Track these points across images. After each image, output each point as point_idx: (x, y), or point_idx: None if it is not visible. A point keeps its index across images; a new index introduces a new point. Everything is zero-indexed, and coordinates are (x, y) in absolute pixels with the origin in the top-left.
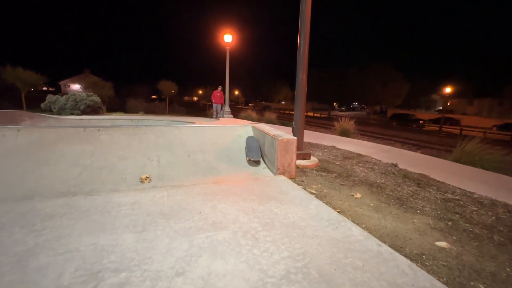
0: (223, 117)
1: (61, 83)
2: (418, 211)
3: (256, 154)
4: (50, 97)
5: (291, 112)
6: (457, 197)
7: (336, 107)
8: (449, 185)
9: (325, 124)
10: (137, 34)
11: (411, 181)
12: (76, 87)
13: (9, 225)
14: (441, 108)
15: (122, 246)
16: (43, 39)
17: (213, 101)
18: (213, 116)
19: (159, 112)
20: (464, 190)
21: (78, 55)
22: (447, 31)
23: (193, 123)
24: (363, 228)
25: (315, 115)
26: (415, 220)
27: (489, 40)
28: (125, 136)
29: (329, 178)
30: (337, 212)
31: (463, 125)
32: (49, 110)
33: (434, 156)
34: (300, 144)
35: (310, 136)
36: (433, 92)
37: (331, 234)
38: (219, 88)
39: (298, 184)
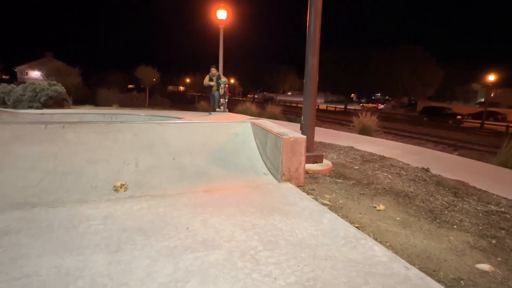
0: (226, 110)
1: (18, 69)
2: (455, 227)
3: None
4: (3, 87)
5: (299, 105)
6: (502, 209)
7: (354, 99)
8: (493, 194)
9: (341, 120)
10: (111, 11)
11: (446, 189)
12: (35, 74)
13: None
14: (483, 100)
15: (92, 270)
16: None
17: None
18: (216, 109)
19: (137, 105)
20: None
21: (38, 36)
22: (490, 6)
23: (179, 118)
24: (387, 247)
25: (329, 108)
26: (451, 238)
27: None
28: (95, 135)
29: (346, 186)
30: (356, 227)
31: (510, 121)
32: (3, 103)
33: (475, 159)
34: (311, 144)
35: (323, 134)
36: (473, 80)
37: (348, 254)
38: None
39: (308, 193)
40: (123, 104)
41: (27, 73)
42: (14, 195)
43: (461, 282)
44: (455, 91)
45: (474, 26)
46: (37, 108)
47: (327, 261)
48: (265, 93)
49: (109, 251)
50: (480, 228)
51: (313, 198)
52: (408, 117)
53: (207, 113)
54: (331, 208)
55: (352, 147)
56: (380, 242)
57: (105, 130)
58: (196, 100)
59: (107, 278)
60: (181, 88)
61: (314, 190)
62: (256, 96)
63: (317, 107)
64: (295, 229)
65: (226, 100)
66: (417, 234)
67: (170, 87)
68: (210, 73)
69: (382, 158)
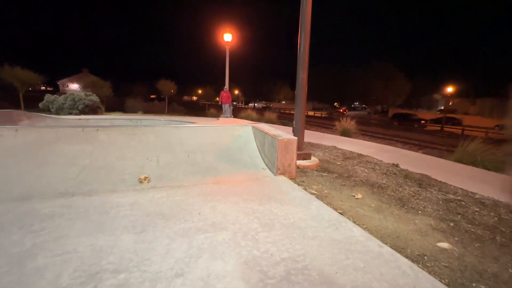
0: (231, 116)
1: (60, 82)
2: (420, 212)
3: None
4: (48, 97)
5: (291, 112)
6: (459, 198)
7: (337, 107)
8: (450, 185)
9: (326, 124)
10: (136, 33)
11: (413, 181)
12: (74, 86)
13: (7, 226)
14: (442, 107)
15: (121, 247)
16: (42, 38)
17: (222, 101)
18: (225, 116)
19: (158, 112)
20: (466, 190)
21: (76, 54)
22: (448, 30)
23: (193, 123)
24: (364, 229)
25: (316, 114)
26: (417, 221)
27: (491, 39)
28: (123, 136)
29: (330, 179)
30: (338, 212)
31: (465, 125)
32: (47, 110)
33: (436, 156)
34: (301, 144)
35: (311, 136)
36: (434, 91)
37: (332, 235)
38: (225, 89)
39: (299, 185)
40: (146, 111)
41: (67, 85)
42: (57, 186)
43: (425, 257)
44: (420, 100)
45: (437, 46)
46: (75, 114)
47: (314, 240)
48: (263, 102)
49: (135, 232)
50: (441, 213)
51: (303, 188)
52: (381, 122)
53: (215, 118)
54: (317, 196)
55: (335, 146)
56: (358, 224)
57: (132, 133)
58: (206, 108)
59: (133, 254)
60: (194, 98)
61: (304, 182)
62: (256, 105)
63: (306, 113)
64: (288, 214)
65: (231, 108)
66: (388, 218)
67: (185, 97)
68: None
69: (360, 155)
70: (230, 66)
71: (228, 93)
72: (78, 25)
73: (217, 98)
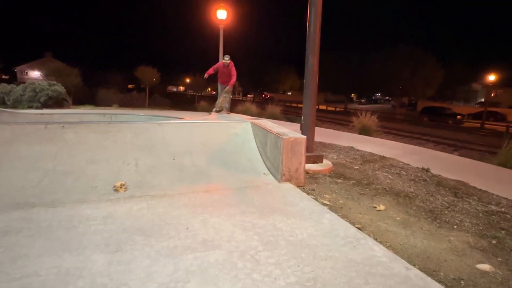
0: (227, 111)
1: (17, 69)
2: (455, 227)
3: None
4: (3, 87)
5: (299, 105)
6: (502, 210)
7: (354, 99)
8: (493, 194)
9: (341, 120)
10: (111, 11)
11: (447, 189)
12: (35, 74)
13: None
14: (483, 100)
15: (92, 270)
16: None
17: (219, 81)
18: (218, 110)
19: (137, 105)
20: None
21: (38, 36)
22: (490, 6)
23: (179, 118)
24: (387, 247)
25: (329, 108)
26: (452, 238)
27: None
28: (95, 135)
29: (346, 186)
30: (356, 227)
31: (510, 121)
32: (2, 103)
33: (475, 159)
34: (311, 145)
35: (323, 134)
36: (473, 80)
37: (349, 254)
38: (226, 60)
39: (308, 194)
40: (123, 104)
41: (27, 73)
42: (14, 195)
43: (461, 282)
44: (455, 91)
45: (474, 26)
46: (37, 108)
47: (327, 261)
48: (265, 93)
49: (109, 251)
50: (480, 228)
51: (313, 198)
52: (408, 117)
53: (207, 113)
54: (331, 208)
55: (352, 147)
56: (380, 242)
57: (105, 130)
58: (196, 100)
59: (107, 278)
60: (181, 88)
61: (314, 190)
62: (254, 96)
63: (317, 107)
64: (295, 229)
65: (230, 97)
66: (417, 234)
67: (170, 87)
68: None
69: (382, 158)
70: (224, 50)
71: (230, 68)
72: (41, 1)
73: (206, 74)
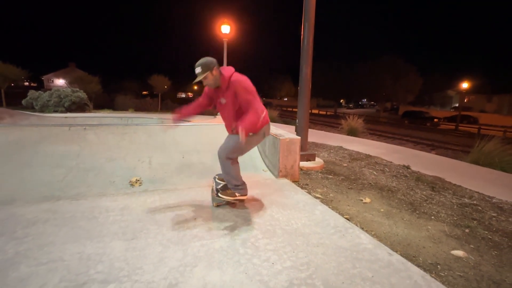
0: None
1: (44, 77)
2: (433, 217)
3: None
4: (32, 93)
5: (294, 110)
6: (474, 202)
7: (343, 104)
8: (466, 188)
9: (331, 123)
10: (128, 25)
11: (425, 184)
12: (60, 82)
13: None
14: (457, 105)
15: (110, 255)
16: (25, 31)
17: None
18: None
19: (151, 110)
20: (483, 194)
21: (63, 48)
22: (464, 21)
23: (188, 121)
24: (372, 235)
25: (321, 112)
26: (429, 227)
27: (510, 30)
28: (113, 136)
29: (336, 181)
30: (345, 218)
31: (481, 124)
32: (31, 107)
33: (450, 157)
34: (304, 144)
35: (315, 135)
36: (448, 87)
37: (338, 242)
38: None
39: (302, 188)
40: (138, 109)
41: (52, 81)
42: (42, 189)
43: (438, 266)
44: (433, 97)
45: (451, 39)
46: (61, 112)
47: (319, 248)
48: (263, 98)
49: (125, 238)
50: (455, 218)
51: (307, 192)
52: (391, 120)
53: (212, 117)
54: (322, 201)
55: (341, 146)
56: (366, 231)
57: (122, 132)
58: None
59: (123, 262)
60: (190, 94)
61: (308, 185)
62: None
63: (310, 111)
64: (291, 219)
65: None
66: (399, 224)
67: (180, 94)
68: None
69: (368, 156)
70: (228, 61)
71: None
72: (66, 16)
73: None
